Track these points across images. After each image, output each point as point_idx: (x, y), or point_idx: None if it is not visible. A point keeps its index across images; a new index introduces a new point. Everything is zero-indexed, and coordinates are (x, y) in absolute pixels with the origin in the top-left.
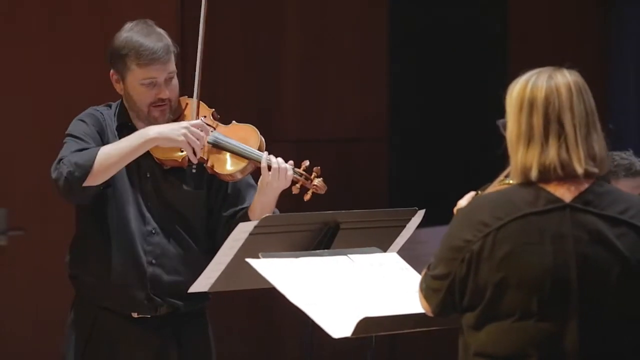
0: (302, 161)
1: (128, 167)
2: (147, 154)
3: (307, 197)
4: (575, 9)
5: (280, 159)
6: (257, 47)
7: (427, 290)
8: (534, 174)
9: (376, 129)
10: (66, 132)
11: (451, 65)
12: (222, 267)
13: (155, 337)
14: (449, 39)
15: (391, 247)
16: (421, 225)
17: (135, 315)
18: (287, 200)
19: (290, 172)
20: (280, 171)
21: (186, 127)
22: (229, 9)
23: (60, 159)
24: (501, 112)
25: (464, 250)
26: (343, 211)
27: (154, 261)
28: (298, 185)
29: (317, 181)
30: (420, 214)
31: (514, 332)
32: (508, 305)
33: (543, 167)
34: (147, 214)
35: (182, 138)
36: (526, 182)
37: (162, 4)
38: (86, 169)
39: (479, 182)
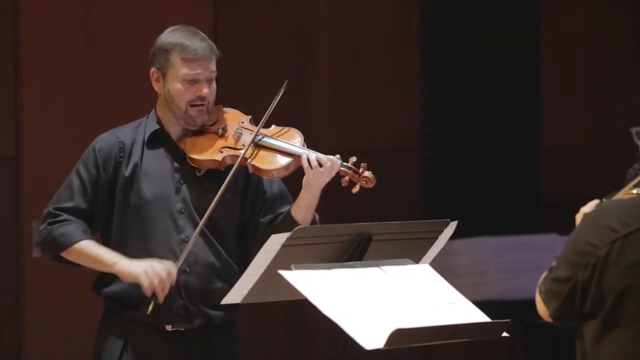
0: (349, 157)
1: (162, 175)
2: (183, 159)
3: (355, 189)
4: (609, 23)
5: (322, 155)
6: (289, 60)
7: (546, 293)
8: None
9: (409, 141)
10: (79, 161)
11: (483, 78)
12: (255, 278)
13: (190, 350)
14: (481, 52)
15: (423, 259)
16: (454, 236)
17: (169, 328)
18: (323, 206)
19: (338, 163)
20: (324, 165)
21: (151, 266)
22: (260, 24)
23: (50, 214)
24: (531, 125)
25: (589, 255)
26: (375, 223)
27: (187, 269)
28: (347, 178)
29: (367, 173)
30: (452, 226)
31: (638, 342)
32: (630, 313)
33: None
34: (181, 223)
35: (141, 270)
36: None
37: (196, 16)
38: (60, 249)
39: (511, 194)
